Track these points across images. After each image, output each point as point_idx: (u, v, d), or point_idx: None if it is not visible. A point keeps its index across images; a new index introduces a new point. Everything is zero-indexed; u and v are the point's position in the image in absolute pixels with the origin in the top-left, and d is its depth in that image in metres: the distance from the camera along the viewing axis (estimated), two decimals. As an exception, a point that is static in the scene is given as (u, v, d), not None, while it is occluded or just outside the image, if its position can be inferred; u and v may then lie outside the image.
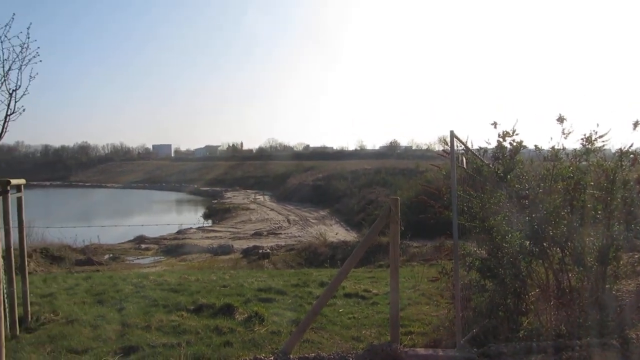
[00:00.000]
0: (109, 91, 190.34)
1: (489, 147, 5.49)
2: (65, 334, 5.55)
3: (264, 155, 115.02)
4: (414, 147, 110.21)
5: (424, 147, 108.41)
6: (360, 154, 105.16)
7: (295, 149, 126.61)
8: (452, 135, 4.54)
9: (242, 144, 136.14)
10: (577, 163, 4.93)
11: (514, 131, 5.08)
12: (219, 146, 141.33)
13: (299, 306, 7.10)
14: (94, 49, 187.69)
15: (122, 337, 5.49)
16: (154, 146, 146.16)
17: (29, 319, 6.03)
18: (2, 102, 5.50)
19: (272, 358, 4.17)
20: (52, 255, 19.83)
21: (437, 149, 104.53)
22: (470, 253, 5.35)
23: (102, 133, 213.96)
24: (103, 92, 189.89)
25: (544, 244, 4.84)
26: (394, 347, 4.07)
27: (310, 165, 77.26)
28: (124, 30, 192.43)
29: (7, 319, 5.31)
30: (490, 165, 5.35)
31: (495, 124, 5.22)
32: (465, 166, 5.17)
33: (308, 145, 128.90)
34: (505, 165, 5.05)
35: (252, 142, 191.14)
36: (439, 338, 5.14)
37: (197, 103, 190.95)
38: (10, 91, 5.46)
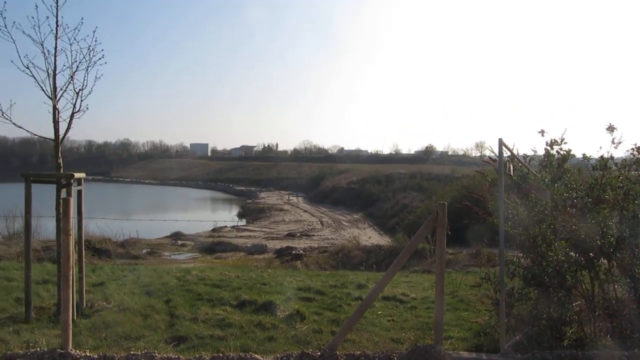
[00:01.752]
0: (150, 89, 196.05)
1: (535, 154, 5.50)
2: (119, 321, 5.84)
3: (298, 156, 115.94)
4: (449, 153, 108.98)
5: (461, 153, 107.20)
6: (395, 158, 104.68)
7: (329, 151, 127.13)
8: (501, 143, 4.59)
9: (277, 145, 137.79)
10: (627, 173, 4.88)
11: (562, 140, 5.07)
12: (255, 147, 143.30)
13: (338, 306, 7.23)
14: (137, 48, 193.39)
15: (172, 327, 5.75)
16: (191, 145, 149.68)
17: (84, 305, 6.37)
18: (68, 102, 5.85)
19: (318, 354, 4.31)
20: (94, 247, 20.62)
21: (473, 154, 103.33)
22: (514, 261, 5.36)
23: (143, 130, 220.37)
24: (145, 90, 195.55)
25: (591, 254, 4.82)
26: (437, 349, 4.15)
27: (344, 168, 77.40)
28: (165, 29, 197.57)
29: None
30: (536, 173, 5.35)
31: (542, 132, 5.23)
32: (512, 173, 5.19)
33: (342, 148, 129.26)
34: (552, 173, 5.05)
35: (287, 144, 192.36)
36: (480, 344, 5.17)
37: (234, 104, 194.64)
38: (77, 90, 5.81)
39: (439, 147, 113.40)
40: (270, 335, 5.56)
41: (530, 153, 5.79)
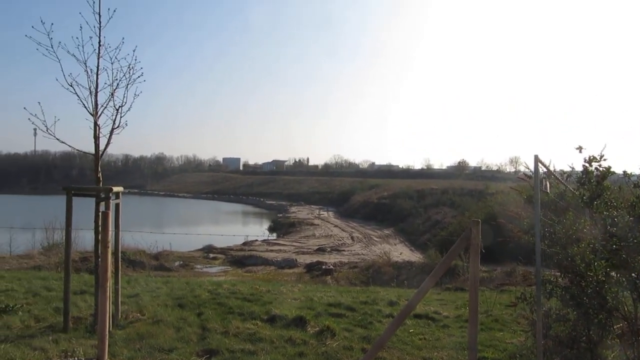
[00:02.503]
0: (184, 104, 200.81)
1: (573, 171, 5.36)
2: (152, 333, 5.95)
3: (329, 171, 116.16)
4: (483, 168, 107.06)
5: (494, 168, 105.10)
6: (427, 173, 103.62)
7: (360, 166, 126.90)
8: (537, 159, 4.50)
9: (308, 159, 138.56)
10: (672, 191, 4.70)
11: (601, 156, 4.92)
12: (286, 161, 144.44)
13: (369, 323, 7.16)
14: (171, 63, 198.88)
15: (203, 340, 5.81)
16: (224, 159, 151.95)
17: (119, 316, 6.51)
18: (109, 118, 6.06)
19: (349, 371, 4.27)
20: (128, 259, 21.07)
21: (508, 170, 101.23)
22: (551, 280, 5.20)
23: (177, 145, 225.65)
24: (179, 105, 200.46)
25: (633, 275, 4.63)
26: (471, 370, 4.04)
27: (375, 183, 77.06)
28: (199, 46, 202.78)
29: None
30: (574, 191, 5.20)
31: (580, 148, 5.09)
32: (548, 190, 5.07)
33: (373, 163, 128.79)
34: (591, 191, 4.90)
35: (317, 158, 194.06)
36: (516, 365, 5.02)
37: (266, 118, 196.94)
38: (117, 107, 6.02)
39: (472, 163, 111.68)
40: (300, 351, 5.55)
41: (567, 169, 5.64)
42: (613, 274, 4.74)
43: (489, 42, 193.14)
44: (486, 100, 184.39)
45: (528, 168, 5.24)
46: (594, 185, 4.99)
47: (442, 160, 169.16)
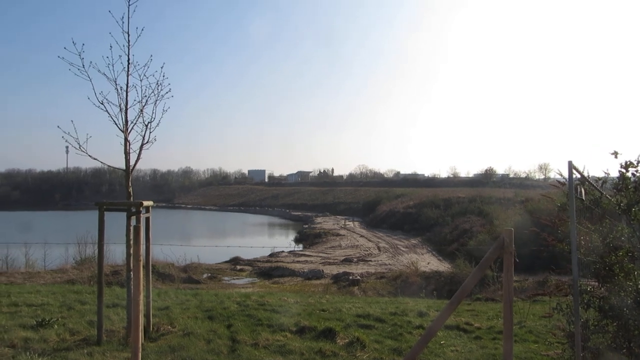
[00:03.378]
0: (210, 118, 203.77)
1: (608, 177, 5.20)
2: (183, 345, 6.00)
3: (354, 181, 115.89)
4: (511, 175, 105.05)
5: (523, 175, 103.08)
6: (453, 181, 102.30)
7: (385, 175, 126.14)
8: (570, 165, 4.38)
9: (332, 170, 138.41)
10: None
11: (638, 162, 4.77)
12: (311, 172, 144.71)
13: (399, 335, 7.07)
14: (196, 78, 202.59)
15: (233, 353, 5.83)
16: (249, 171, 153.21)
17: (151, 329, 6.59)
18: (138, 134, 6.18)
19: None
20: (158, 272, 21.37)
21: (537, 177, 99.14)
22: (587, 290, 5.04)
23: (204, 158, 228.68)
24: (205, 119, 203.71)
25: (676, 284, 4.45)
26: (507, 384, 3.93)
27: (400, 192, 76.41)
28: (224, 59, 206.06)
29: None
30: (611, 197, 5.05)
31: (615, 154, 4.94)
32: (583, 197, 4.93)
33: (399, 172, 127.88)
34: (629, 197, 4.74)
35: (342, 169, 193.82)
36: (553, 378, 4.86)
37: (291, 130, 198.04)
38: (146, 123, 6.14)
39: (500, 170, 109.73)
40: (330, 364, 5.50)
41: (600, 175, 5.48)
42: (654, 283, 4.57)
43: (515, 47, 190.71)
44: (513, 107, 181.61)
45: (561, 174, 5.12)
46: (632, 191, 4.84)
47: (468, 168, 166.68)
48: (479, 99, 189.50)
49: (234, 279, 25.70)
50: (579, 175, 5.13)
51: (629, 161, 4.91)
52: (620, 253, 4.72)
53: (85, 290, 10.32)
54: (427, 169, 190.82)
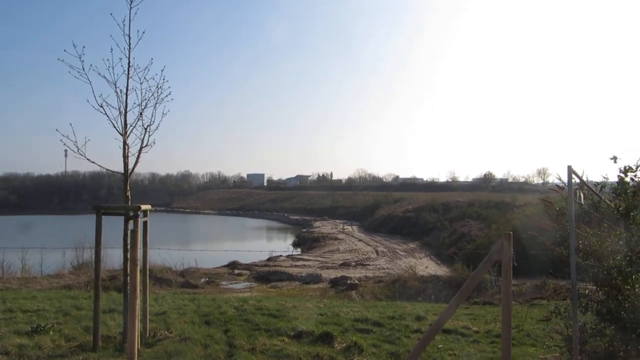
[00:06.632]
0: (209, 122, 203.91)
1: (607, 182, 5.20)
2: (180, 350, 5.96)
3: (352, 185, 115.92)
4: (509, 180, 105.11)
5: (521, 180, 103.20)
6: (452, 185, 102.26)
7: (384, 179, 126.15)
8: (570, 170, 4.38)
9: (331, 174, 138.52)
10: None
11: (637, 166, 4.77)
12: (309, 176, 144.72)
13: (397, 339, 7.03)
14: (196, 82, 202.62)
15: (230, 358, 5.80)
16: (248, 175, 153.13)
17: (147, 334, 6.55)
18: (137, 137, 6.16)
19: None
20: (155, 277, 21.27)
21: (535, 181, 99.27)
22: (586, 294, 5.03)
23: (202, 162, 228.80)
24: (204, 123, 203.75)
25: (672, 288, 4.45)
26: (505, 389, 3.91)
27: (399, 196, 76.43)
28: (225, 64, 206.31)
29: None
30: (609, 202, 5.04)
31: (615, 159, 4.94)
32: (582, 202, 4.93)
33: (397, 176, 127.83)
34: (627, 202, 4.74)
35: (341, 173, 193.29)
36: (552, 383, 4.84)
37: (290, 134, 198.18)
38: (145, 126, 6.12)
39: (498, 174, 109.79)
40: (328, 368, 5.47)
41: (599, 180, 5.49)
42: (652, 287, 4.56)
43: (515, 52, 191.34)
44: (512, 111, 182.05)
45: (560, 179, 5.12)
46: (630, 196, 4.84)
47: (467, 173, 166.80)
48: (478, 103, 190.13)
49: (231, 283, 25.63)
50: (578, 180, 5.14)
51: (628, 166, 4.92)
52: (619, 257, 4.71)
53: (82, 295, 10.26)
54: (426, 173, 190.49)
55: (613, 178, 5.10)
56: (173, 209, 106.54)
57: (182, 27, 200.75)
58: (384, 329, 7.65)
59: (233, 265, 30.93)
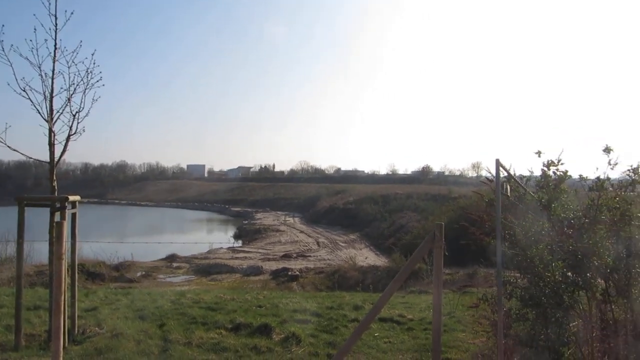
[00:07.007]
0: (148, 112, 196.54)
1: (532, 175, 5.51)
2: (111, 347, 5.74)
3: (295, 177, 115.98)
4: (446, 173, 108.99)
5: (457, 173, 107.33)
6: (392, 178, 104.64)
7: (326, 172, 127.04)
8: (498, 163, 4.59)
9: (274, 165, 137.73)
10: (623, 194, 4.88)
11: (559, 160, 5.08)
12: (252, 167, 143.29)
13: (335, 328, 7.14)
14: (134, 70, 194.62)
15: (165, 353, 5.65)
16: (188, 166, 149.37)
17: (76, 331, 6.26)
18: (65, 124, 5.84)
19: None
20: (87, 271, 20.38)
21: (470, 175, 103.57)
22: (511, 281, 5.32)
23: (140, 152, 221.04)
24: (142, 112, 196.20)
25: (588, 275, 4.79)
26: (435, 373, 4.07)
27: (341, 188, 77.38)
28: (164, 53, 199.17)
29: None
30: (533, 194, 5.34)
31: (539, 153, 5.23)
32: (509, 194, 5.19)
33: (339, 169, 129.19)
34: (549, 194, 5.04)
35: (284, 164, 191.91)
36: (479, 366, 5.09)
37: (232, 125, 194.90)
38: (74, 113, 5.81)
39: (436, 168, 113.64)
40: (265, 359, 5.47)
41: (526, 173, 5.80)
42: (569, 274, 4.88)
43: (453, 48, 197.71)
44: (449, 106, 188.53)
45: (490, 172, 5.37)
46: (552, 188, 5.14)
47: (406, 166, 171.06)
48: (417, 98, 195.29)
49: (170, 276, 25.01)
50: (506, 173, 5.40)
51: (551, 160, 5.22)
52: (541, 246, 5.02)
53: (4, 292, 9.62)
54: (367, 166, 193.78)
55: (538, 172, 5.42)
56: (107, 201, 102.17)
57: (122, 12, 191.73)
58: (322, 319, 7.74)
59: (171, 258, 30.17)
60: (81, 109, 6.02)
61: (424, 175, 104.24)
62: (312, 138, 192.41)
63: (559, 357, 4.86)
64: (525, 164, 5.69)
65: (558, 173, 5.15)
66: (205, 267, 27.57)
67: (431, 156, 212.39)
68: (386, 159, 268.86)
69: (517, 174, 5.79)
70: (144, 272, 24.76)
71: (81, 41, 6.05)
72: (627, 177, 4.88)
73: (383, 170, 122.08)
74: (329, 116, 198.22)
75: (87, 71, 6.03)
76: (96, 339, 6.13)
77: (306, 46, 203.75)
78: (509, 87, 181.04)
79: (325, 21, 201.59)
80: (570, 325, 5.01)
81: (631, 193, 4.86)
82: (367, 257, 33.35)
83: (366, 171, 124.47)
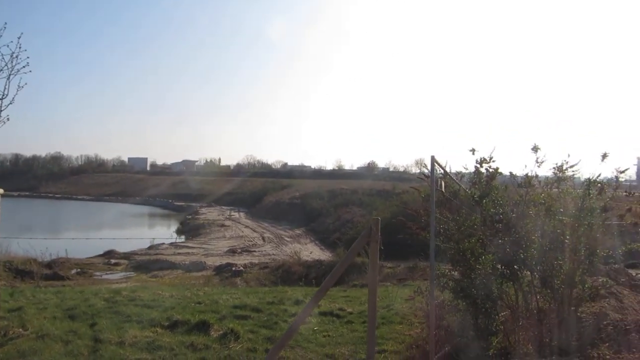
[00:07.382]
0: (87, 103, 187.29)
1: (467, 172, 5.70)
2: (36, 349, 5.43)
3: (241, 171, 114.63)
4: (391, 169, 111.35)
5: (401, 169, 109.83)
6: (338, 173, 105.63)
7: (273, 166, 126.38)
8: (433, 160, 4.71)
9: (219, 160, 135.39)
10: (549, 190, 5.15)
11: (490, 158, 5.28)
12: (197, 161, 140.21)
13: (274, 324, 7.11)
14: (73, 61, 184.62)
15: (95, 353, 5.41)
16: (129, 159, 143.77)
17: (-3, 333, 5.88)
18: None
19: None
20: (16, 269, 19.22)
21: (413, 171, 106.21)
22: (445, 274, 5.49)
23: (77, 143, 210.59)
24: (81, 104, 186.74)
25: (515, 267, 5.02)
26: (369, 365, 4.13)
27: (287, 183, 77.29)
28: (111, 43, 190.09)
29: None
30: (467, 190, 5.53)
31: (473, 151, 5.42)
32: (443, 190, 5.35)
33: (286, 164, 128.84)
34: (481, 190, 5.23)
35: (230, 159, 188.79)
36: (412, 356, 5.23)
37: (176, 118, 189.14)
38: (-5, 99, 5.43)
39: (381, 164, 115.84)
40: (201, 357, 5.37)
41: (462, 170, 6.00)
42: (499, 266, 5.10)
43: (398, 46, 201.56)
44: (395, 102, 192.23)
45: (427, 168, 5.51)
46: (484, 184, 5.34)
47: (352, 161, 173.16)
48: (365, 94, 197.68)
49: (107, 274, 24.03)
50: (441, 170, 5.56)
51: (483, 157, 5.43)
52: (473, 240, 5.21)
53: None
54: (314, 161, 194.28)
55: (473, 169, 5.62)
56: (40, 194, 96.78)
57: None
58: (262, 315, 7.69)
59: (109, 254, 29.01)
60: (5, 95, 5.64)
61: (369, 171, 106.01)
62: (259, 133, 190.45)
63: (488, 345, 5.07)
64: (462, 162, 5.88)
65: (490, 170, 5.36)
66: (146, 264, 26.74)
67: (377, 152, 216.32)
68: (333, 154, 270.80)
69: (453, 171, 5.99)
70: (78, 270, 23.64)
71: (6, 23, 5.68)
72: (553, 174, 5.15)
73: (329, 166, 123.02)
74: (277, 112, 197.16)
75: (11, 55, 5.65)
76: (19, 340, 5.78)
77: (256, 41, 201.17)
78: (454, 84, 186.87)
79: (277, 18, 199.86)
80: (499, 315, 5.25)
81: (556, 190, 5.13)
82: (312, 251, 33.51)
83: (313, 166, 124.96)
